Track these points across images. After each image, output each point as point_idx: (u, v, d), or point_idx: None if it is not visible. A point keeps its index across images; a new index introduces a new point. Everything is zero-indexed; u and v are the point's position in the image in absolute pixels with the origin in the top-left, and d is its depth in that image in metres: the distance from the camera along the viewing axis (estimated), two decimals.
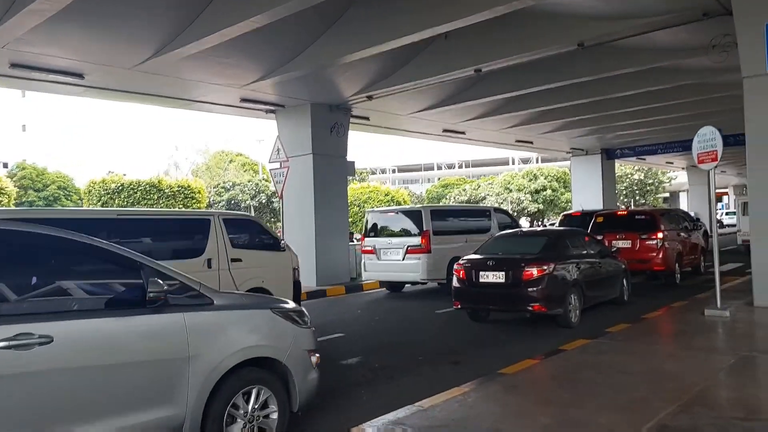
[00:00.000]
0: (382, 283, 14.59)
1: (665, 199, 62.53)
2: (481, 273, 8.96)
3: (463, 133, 21.33)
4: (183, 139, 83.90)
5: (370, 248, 13.88)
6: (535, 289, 8.51)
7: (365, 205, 31.18)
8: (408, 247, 13.09)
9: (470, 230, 14.18)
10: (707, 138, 8.60)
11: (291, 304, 4.63)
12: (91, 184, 24.06)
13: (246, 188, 44.76)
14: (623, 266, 11.02)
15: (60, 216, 7.79)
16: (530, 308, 8.59)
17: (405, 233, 13.50)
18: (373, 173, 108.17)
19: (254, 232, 9.22)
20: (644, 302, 10.96)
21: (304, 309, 4.73)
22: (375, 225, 14.15)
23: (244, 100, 14.71)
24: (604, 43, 11.99)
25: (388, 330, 9.47)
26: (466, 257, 9.44)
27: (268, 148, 15.04)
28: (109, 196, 23.78)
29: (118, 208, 10.20)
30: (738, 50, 9.28)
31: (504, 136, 23.11)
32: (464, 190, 51.18)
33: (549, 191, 46.74)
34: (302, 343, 4.41)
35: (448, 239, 13.35)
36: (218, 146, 58.96)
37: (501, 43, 12.05)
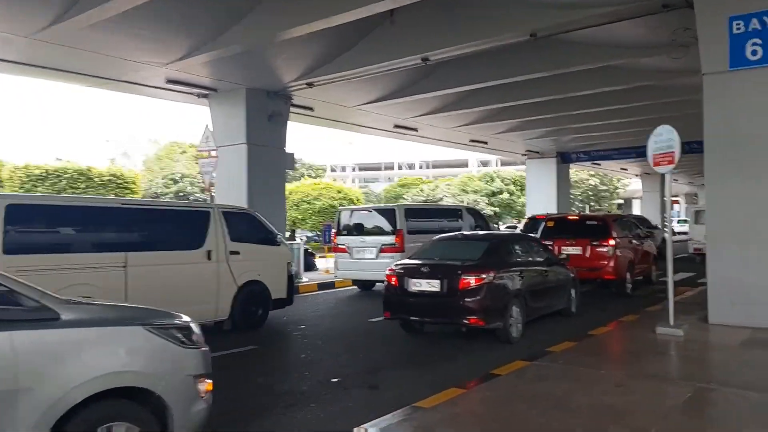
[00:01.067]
0: (355, 282, 14.36)
1: (619, 206, 63.28)
2: (414, 280, 7.96)
3: (415, 129, 20.40)
4: (141, 128, 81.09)
5: (342, 246, 13.74)
6: (472, 299, 7.55)
7: (316, 202, 29.96)
8: (382, 245, 12.99)
9: (443, 230, 13.68)
10: (663, 138, 7.81)
11: (175, 319, 3.66)
12: (13, 170, 22.10)
13: (196, 181, 42.92)
14: (572, 275, 10.22)
15: (62, 203, 7.82)
16: (466, 321, 7.63)
17: (379, 232, 13.38)
18: (333, 170, 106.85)
19: (252, 225, 9.31)
20: (593, 314, 10.20)
21: (193, 324, 3.72)
22: (348, 223, 14.01)
23: (171, 81, 13.35)
24: (558, 34, 11.20)
25: (311, 343, 8.37)
26: (399, 262, 8.43)
27: None
28: (32, 183, 21.87)
29: (123, 197, 10.59)
30: (699, 46, 8.55)
31: (458, 135, 22.29)
32: (422, 190, 50.40)
33: (506, 194, 46.42)
34: (186, 367, 3.56)
35: (422, 238, 12.82)
36: (174, 137, 56.70)
37: (449, 30, 11.12)
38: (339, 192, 30.40)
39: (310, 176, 43.27)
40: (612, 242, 12.38)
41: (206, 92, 14.32)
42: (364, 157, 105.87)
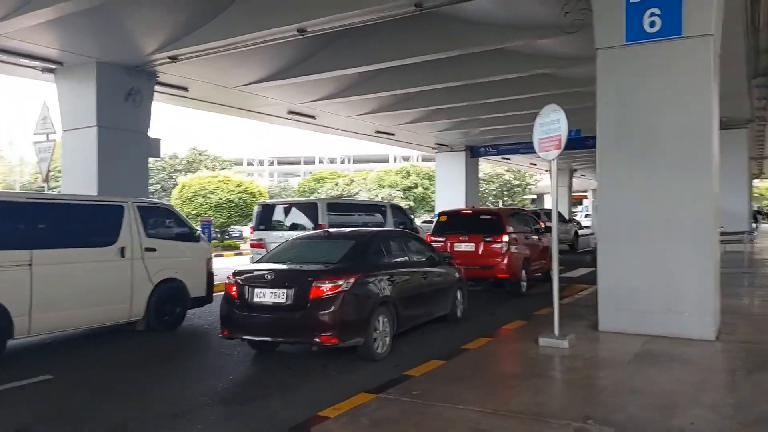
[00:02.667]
0: None
1: (533, 201, 64.58)
2: (257, 290, 6.48)
3: (313, 117, 18.87)
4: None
5: (258, 242, 13.06)
6: (325, 312, 6.17)
7: (212, 196, 27.72)
8: None
9: (366, 224, 13.77)
10: (550, 120, 6.76)
11: None
12: None
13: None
14: (457, 275, 9.10)
15: None
16: (317, 340, 6.23)
17: (299, 227, 12.82)
18: (250, 164, 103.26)
19: (169, 221, 8.95)
20: (479, 320, 9.16)
21: None
22: (266, 217, 13.48)
23: (2, 50, 11.13)
24: (450, 4, 10.03)
25: (124, 376, 6.71)
26: (241, 267, 6.91)
27: None
28: None
29: (29, 191, 8.36)
30: (593, 18, 7.58)
31: (362, 125, 20.97)
32: (336, 184, 48.96)
33: (420, 189, 45.81)
34: None
35: None
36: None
37: None
38: (239, 185, 28.21)
39: (207, 168, 40.58)
40: (505, 238, 11.43)
41: (52, 66, 12.14)
42: (284, 152, 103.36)
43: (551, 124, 6.73)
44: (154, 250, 8.24)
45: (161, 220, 8.79)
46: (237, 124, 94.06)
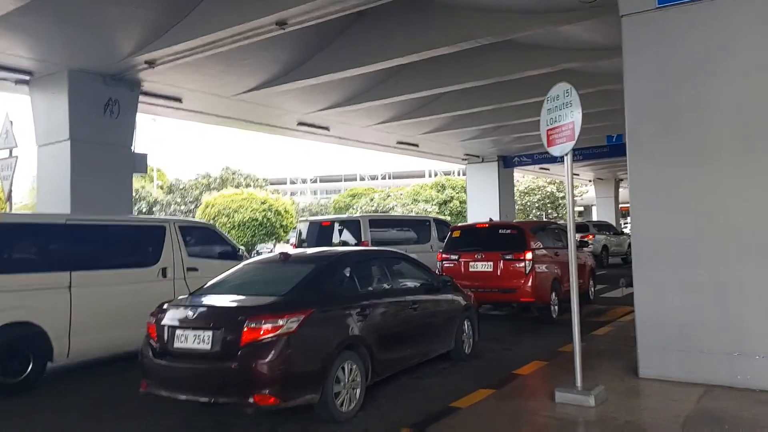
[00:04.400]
0: None
1: (580, 213, 61.61)
2: (179, 332, 5.03)
3: (326, 128, 17.57)
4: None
5: None
6: (260, 363, 4.66)
7: (235, 214, 26.81)
8: None
9: (409, 240, 13.64)
10: (559, 104, 5.14)
11: None
12: None
13: None
14: (463, 303, 7.47)
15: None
16: (251, 401, 4.71)
17: (342, 244, 12.52)
18: (293, 183, 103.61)
19: (211, 240, 8.93)
20: (492, 357, 7.54)
21: None
22: (308, 235, 13.38)
23: None
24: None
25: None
26: (166, 303, 5.47)
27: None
28: None
29: (67, 213, 9.26)
30: None
31: (381, 136, 19.52)
32: (372, 199, 47.69)
33: (456, 203, 43.98)
34: None
35: None
36: None
37: None
38: (264, 203, 27.28)
39: (234, 187, 39.72)
40: (529, 255, 9.69)
41: (25, 77, 11.23)
42: (326, 170, 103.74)
43: (561, 110, 5.10)
44: (196, 269, 8.05)
45: (203, 240, 8.77)
46: (280, 145, 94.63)
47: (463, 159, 25.41)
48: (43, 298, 6.45)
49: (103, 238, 7.45)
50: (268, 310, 4.85)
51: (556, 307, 10.30)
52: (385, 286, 6.25)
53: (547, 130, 5.20)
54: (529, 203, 53.44)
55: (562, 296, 10.54)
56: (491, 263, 9.88)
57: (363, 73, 12.47)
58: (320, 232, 13.29)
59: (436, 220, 15.66)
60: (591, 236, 20.98)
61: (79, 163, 10.81)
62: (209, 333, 4.83)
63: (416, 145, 21.48)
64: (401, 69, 13.00)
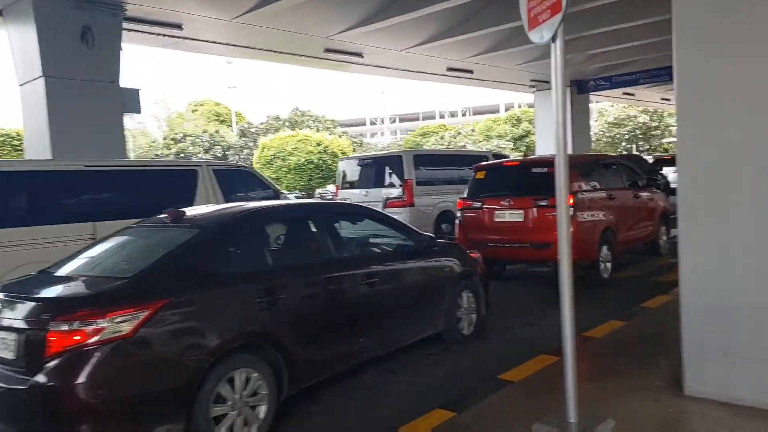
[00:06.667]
0: None
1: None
2: None
3: (359, 55, 15.54)
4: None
5: (344, 202, 11.86)
6: (72, 384, 3.07)
7: (290, 158, 25.70)
8: (387, 199, 11.66)
9: (463, 180, 11.91)
10: None
11: None
12: None
13: (199, 140, 39.44)
14: (459, 269, 5.64)
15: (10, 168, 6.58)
16: None
17: (384, 183, 11.98)
18: (373, 123, 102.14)
19: (249, 184, 8.39)
20: (501, 339, 5.76)
21: None
22: (350, 175, 12.74)
23: None
24: None
25: None
26: None
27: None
28: None
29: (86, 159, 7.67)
30: None
31: (425, 62, 17.12)
32: (442, 137, 45.25)
33: (534, 137, 40.66)
34: None
35: (436, 190, 12.06)
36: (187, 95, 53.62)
37: None
38: (319, 144, 25.94)
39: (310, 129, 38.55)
40: (571, 200, 7.57)
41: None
42: (405, 108, 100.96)
43: None
44: None
45: (240, 184, 8.25)
46: (358, 84, 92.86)
47: (530, 86, 22.48)
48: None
49: (127, 185, 7.05)
50: (86, 303, 3.30)
51: (609, 264, 8.19)
52: (325, 255, 4.52)
53: (527, 3, 3.12)
54: (618, 135, 48.77)
55: (618, 250, 8.40)
56: (522, 212, 7.84)
57: None
58: (360, 171, 12.66)
59: (496, 155, 14.38)
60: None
61: (57, 102, 9.62)
62: (13, 337, 3.36)
63: (471, 72, 18.94)
64: None
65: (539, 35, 3.09)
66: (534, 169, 8.07)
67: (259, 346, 3.79)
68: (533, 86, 22.47)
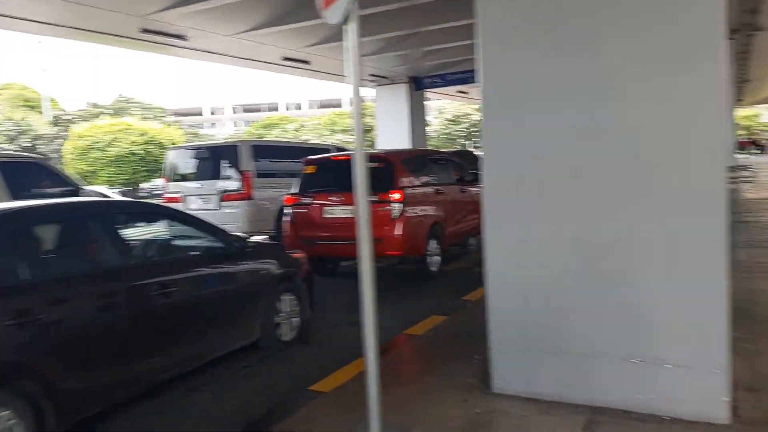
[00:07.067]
0: None
1: None
2: None
3: (180, 37, 14.25)
4: None
5: (176, 195, 11.32)
6: None
7: (109, 149, 23.34)
8: (223, 192, 10.96)
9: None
10: None
11: None
12: None
13: (2, 127, 34.32)
14: (278, 271, 5.23)
15: None
16: None
17: (219, 176, 11.18)
18: (213, 113, 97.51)
19: (42, 178, 7.75)
20: (325, 342, 5.48)
21: None
22: (181, 166, 11.90)
23: None
24: None
25: None
26: None
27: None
28: None
29: None
30: None
31: (258, 49, 16.23)
32: (285, 130, 44.43)
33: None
34: None
35: (277, 183, 11.25)
36: None
37: None
38: (144, 134, 23.84)
39: (107, 116, 35.36)
40: (397, 195, 7.52)
41: None
42: (248, 98, 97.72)
43: None
44: None
45: (31, 178, 7.63)
46: (200, 72, 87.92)
47: (370, 81, 22.71)
48: None
49: None
50: None
51: (437, 258, 8.31)
52: (106, 263, 3.85)
53: None
54: (455, 132, 51.66)
55: (447, 243, 8.56)
56: (350, 207, 7.65)
57: None
58: (194, 162, 11.75)
59: (339, 148, 13.91)
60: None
61: None
62: None
63: (307, 62, 18.52)
64: None
65: (335, 14, 2.78)
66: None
67: (7, 377, 3.06)
68: (373, 81, 22.71)
